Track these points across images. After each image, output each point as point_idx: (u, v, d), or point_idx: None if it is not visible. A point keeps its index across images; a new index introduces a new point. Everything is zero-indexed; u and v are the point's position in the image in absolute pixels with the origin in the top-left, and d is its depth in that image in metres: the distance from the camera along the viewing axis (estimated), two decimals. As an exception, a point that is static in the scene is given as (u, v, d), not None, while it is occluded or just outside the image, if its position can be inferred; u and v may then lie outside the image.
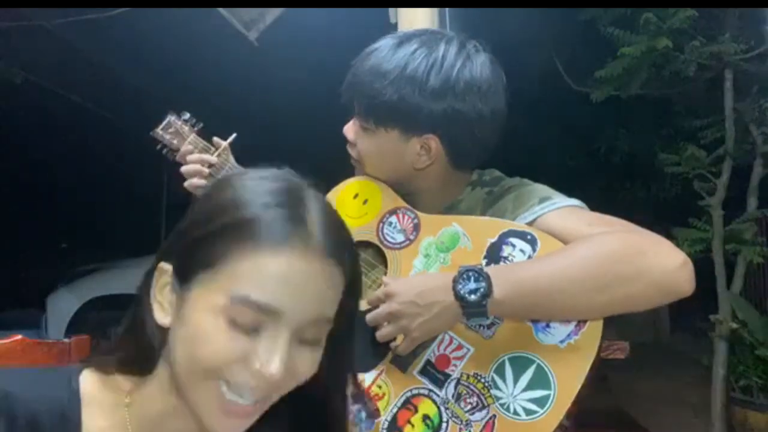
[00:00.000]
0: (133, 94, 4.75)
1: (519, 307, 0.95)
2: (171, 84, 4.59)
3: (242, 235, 0.58)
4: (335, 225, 0.63)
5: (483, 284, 0.93)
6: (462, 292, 0.93)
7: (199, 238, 0.60)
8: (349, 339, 0.70)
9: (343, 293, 0.64)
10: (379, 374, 1.05)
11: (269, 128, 5.21)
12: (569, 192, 1.08)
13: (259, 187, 0.62)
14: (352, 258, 0.64)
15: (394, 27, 2.00)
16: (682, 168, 4.01)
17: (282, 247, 0.58)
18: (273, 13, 3.35)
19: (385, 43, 1.10)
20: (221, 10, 3.17)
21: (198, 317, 0.58)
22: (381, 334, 1.00)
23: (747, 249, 3.74)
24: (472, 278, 0.93)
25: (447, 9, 1.99)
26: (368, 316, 1.02)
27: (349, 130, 1.16)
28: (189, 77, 4.55)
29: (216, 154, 1.37)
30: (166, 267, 0.63)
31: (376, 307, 1.02)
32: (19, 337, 0.90)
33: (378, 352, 1.05)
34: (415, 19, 1.90)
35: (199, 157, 1.35)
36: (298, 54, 4.12)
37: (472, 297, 0.93)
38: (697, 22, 3.55)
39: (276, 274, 0.57)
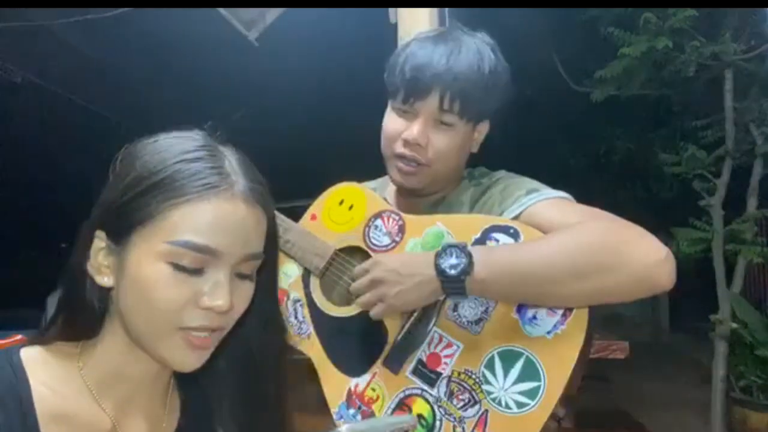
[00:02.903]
0: (133, 94, 4.75)
1: (498, 287, 0.97)
2: (171, 84, 4.59)
3: (171, 190, 0.63)
4: (252, 172, 0.69)
5: (464, 260, 0.95)
6: (442, 266, 0.95)
7: (129, 200, 0.64)
8: (274, 273, 0.77)
9: (267, 232, 0.70)
10: (373, 377, 1.05)
11: (269, 128, 5.21)
12: (569, 192, 1.08)
13: (177, 146, 0.66)
14: (269, 201, 0.70)
15: (394, 27, 2.00)
16: (682, 168, 4.01)
17: (209, 194, 0.63)
18: (273, 13, 3.35)
19: (460, 41, 1.09)
20: (221, 10, 3.17)
21: (143, 268, 0.63)
22: (361, 300, 1.03)
23: (747, 249, 3.75)
24: (454, 254, 0.96)
25: (447, 9, 1.99)
26: (353, 286, 1.04)
27: (418, 133, 1.08)
28: (189, 77, 4.55)
29: None
30: (99, 234, 0.66)
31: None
32: (19, 337, 0.90)
33: (369, 355, 1.06)
34: (415, 19, 1.90)
35: None
36: (298, 54, 4.12)
37: (452, 272, 0.95)
38: (697, 22, 3.55)
39: (208, 218, 0.63)
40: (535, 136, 6.18)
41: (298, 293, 1.17)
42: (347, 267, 1.15)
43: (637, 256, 0.93)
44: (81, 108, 4.85)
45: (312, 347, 1.12)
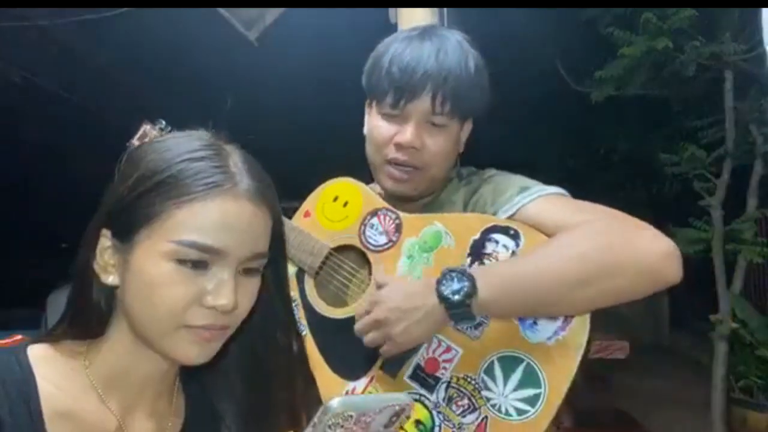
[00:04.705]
0: (133, 94, 4.75)
1: (505, 306, 0.94)
2: (171, 84, 4.59)
3: (175, 189, 0.63)
4: (257, 170, 0.69)
5: (466, 283, 0.91)
6: (445, 292, 0.92)
7: (134, 199, 0.64)
8: (281, 272, 0.76)
9: (272, 230, 0.70)
10: (370, 381, 1.04)
11: (269, 128, 5.21)
12: (570, 192, 1.07)
13: (181, 146, 0.66)
14: (274, 200, 0.70)
15: (394, 27, 2.00)
16: (682, 168, 4.01)
17: (213, 194, 0.63)
18: (273, 13, 3.35)
19: (444, 38, 1.07)
20: (221, 10, 3.17)
21: (147, 267, 0.63)
22: (366, 340, 0.99)
23: (747, 249, 3.74)
24: (455, 279, 0.92)
25: (446, 9, 1.99)
26: (356, 326, 1.00)
27: (413, 136, 1.05)
28: (189, 77, 4.55)
29: None
30: (105, 232, 0.67)
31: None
32: (19, 337, 0.90)
33: (366, 359, 1.04)
34: (414, 19, 1.90)
35: None
36: (298, 54, 4.12)
37: (456, 297, 0.91)
38: (697, 22, 3.55)
39: (212, 218, 0.63)
40: (535, 136, 6.18)
41: (292, 293, 1.13)
42: (342, 267, 1.13)
43: (643, 253, 0.91)
44: (81, 108, 4.85)
45: (307, 349, 1.08)
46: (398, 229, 1.09)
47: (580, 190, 1.07)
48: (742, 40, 3.65)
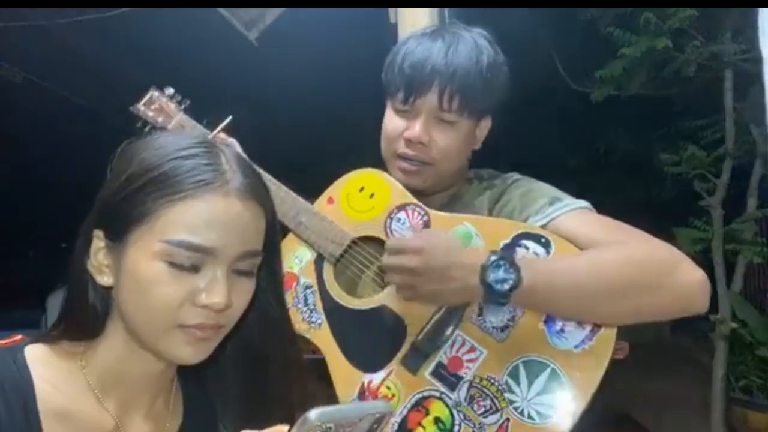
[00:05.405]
0: (133, 95, 4.75)
1: (541, 299, 0.95)
2: (171, 84, 4.59)
3: (166, 187, 0.62)
4: (248, 168, 0.68)
5: (512, 275, 0.91)
6: (490, 279, 0.91)
7: (125, 198, 0.64)
8: (276, 270, 0.76)
9: (266, 229, 0.69)
10: (389, 374, 1.03)
11: (268, 128, 5.21)
12: (569, 192, 1.08)
13: (173, 144, 0.66)
14: (267, 197, 0.69)
15: (394, 27, 2.00)
16: (682, 168, 4.00)
17: (203, 192, 0.63)
18: (273, 13, 3.35)
19: (458, 36, 1.08)
20: (221, 10, 3.17)
21: (139, 267, 0.63)
22: (390, 279, 0.97)
23: (747, 249, 3.74)
24: (502, 268, 0.91)
25: (446, 9, 1.98)
26: (387, 259, 0.97)
27: (421, 131, 1.07)
28: (189, 77, 4.54)
29: (218, 130, 1.29)
30: (98, 233, 0.66)
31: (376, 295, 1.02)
32: (19, 337, 0.90)
33: (386, 352, 1.04)
34: (415, 19, 1.90)
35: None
36: (298, 54, 4.12)
37: (499, 287, 0.91)
38: (697, 22, 3.55)
39: (203, 216, 0.63)
40: (535, 136, 6.17)
41: (309, 279, 1.13)
42: (364, 257, 1.12)
43: (680, 278, 0.95)
44: (81, 108, 4.85)
45: (323, 338, 1.08)
46: (426, 225, 1.09)
47: (580, 190, 1.08)
48: (742, 40, 3.64)
